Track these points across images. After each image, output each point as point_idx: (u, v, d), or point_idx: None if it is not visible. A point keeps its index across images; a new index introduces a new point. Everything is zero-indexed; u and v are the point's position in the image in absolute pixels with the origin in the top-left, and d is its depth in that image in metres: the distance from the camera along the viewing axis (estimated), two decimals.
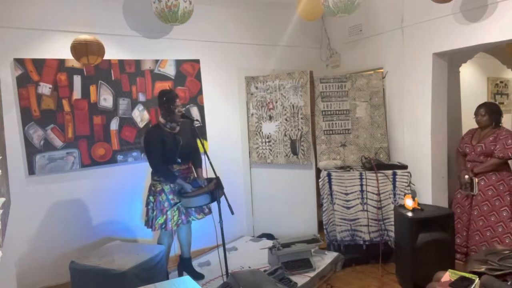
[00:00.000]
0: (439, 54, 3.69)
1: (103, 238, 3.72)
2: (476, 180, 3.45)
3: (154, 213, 3.23)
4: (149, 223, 3.28)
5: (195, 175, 3.45)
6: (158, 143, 3.17)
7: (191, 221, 3.37)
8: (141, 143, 3.81)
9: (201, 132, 4.19)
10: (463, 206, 3.60)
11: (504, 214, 3.33)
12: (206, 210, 3.43)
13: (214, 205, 3.10)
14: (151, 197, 3.28)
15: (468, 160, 3.59)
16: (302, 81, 4.23)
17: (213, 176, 3.16)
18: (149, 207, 3.28)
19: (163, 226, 3.21)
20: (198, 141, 3.33)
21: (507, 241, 3.28)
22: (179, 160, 3.29)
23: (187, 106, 4.15)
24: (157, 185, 3.25)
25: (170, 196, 3.24)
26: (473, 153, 3.53)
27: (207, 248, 4.15)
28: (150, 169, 3.31)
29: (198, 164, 3.47)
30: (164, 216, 3.21)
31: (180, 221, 3.26)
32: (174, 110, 3.20)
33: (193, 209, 3.33)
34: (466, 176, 3.50)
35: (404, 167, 3.82)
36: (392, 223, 3.71)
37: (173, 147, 3.24)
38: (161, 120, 3.26)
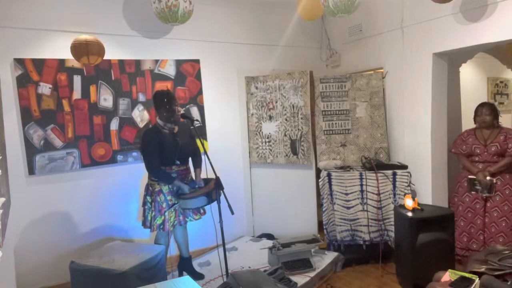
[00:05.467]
0: (439, 54, 3.69)
1: (103, 238, 3.72)
2: (494, 180, 3.41)
3: (153, 213, 3.21)
4: (146, 223, 3.26)
5: (193, 176, 3.44)
6: (155, 145, 3.15)
7: (188, 221, 3.36)
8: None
9: (201, 132, 4.19)
10: (474, 209, 3.54)
11: None
12: (202, 211, 3.42)
13: (214, 205, 3.10)
14: (148, 197, 3.26)
15: (479, 161, 3.54)
16: (302, 81, 4.23)
17: (213, 175, 3.15)
18: (146, 207, 3.26)
19: (161, 226, 3.20)
20: (198, 141, 3.32)
21: None
22: (178, 162, 3.28)
23: (187, 106, 4.15)
24: (155, 185, 3.24)
25: (169, 197, 3.22)
26: (485, 153, 3.50)
27: (207, 248, 4.15)
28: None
29: (197, 165, 3.45)
30: (162, 217, 3.20)
31: (176, 222, 3.25)
32: (175, 110, 3.20)
33: (190, 210, 3.32)
34: (488, 178, 3.41)
35: (404, 167, 3.82)
36: (392, 223, 3.71)
37: (172, 148, 3.23)
38: (159, 121, 3.24)
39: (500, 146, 3.43)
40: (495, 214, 3.43)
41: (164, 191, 3.22)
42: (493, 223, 3.44)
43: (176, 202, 3.21)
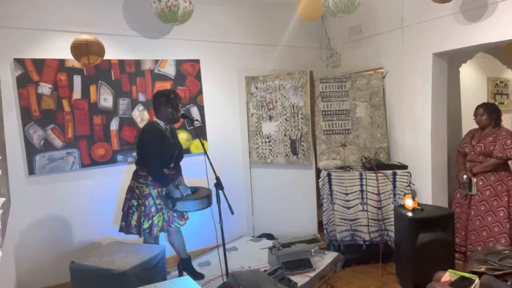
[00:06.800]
0: (439, 54, 3.69)
1: (103, 238, 3.72)
2: (474, 180, 3.46)
3: (142, 219, 3.11)
4: (128, 228, 3.17)
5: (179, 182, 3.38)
6: (158, 142, 3.12)
7: (174, 227, 3.30)
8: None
9: (201, 132, 4.19)
10: (462, 205, 3.61)
11: (501, 214, 3.33)
12: (186, 216, 3.38)
13: (214, 205, 3.09)
14: (134, 201, 3.16)
15: (468, 160, 3.60)
16: (302, 81, 4.23)
17: (213, 176, 3.14)
18: (130, 211, 3.16)
19: (148, 231, 3.13)
20: (198, 141, 3.32)
21: (503, 241, 3.28)
22: (172, 165, 3.27)
23: (187, 106, 4.15)
24: (143, 188, 3.14)
25: (157, 201, 3.15)
26: (472, 153, 3.54)
27: (207, 248, 4.15)
28: (131, 171, 3.28)
29: (180, 171, 3.42)
30: (150, 221, 3.12)
31: (163, 227, 3.19)
32: (180, 108, 3.19)
33: (175, 215, 3.27)
34: (465, 176, 3.51)
35: (404, 167, 3.82)
36: (392, 223, 3.71)
37: (171, 149, 3.22)
38: (158, 121, 3.22)
39: (485, 147, 3.45)
40: (473, 213, 3.48)
41: (153, 194, 3.14)
42: (470, 221, 3.50)
43: (172, 205, 3.13)
